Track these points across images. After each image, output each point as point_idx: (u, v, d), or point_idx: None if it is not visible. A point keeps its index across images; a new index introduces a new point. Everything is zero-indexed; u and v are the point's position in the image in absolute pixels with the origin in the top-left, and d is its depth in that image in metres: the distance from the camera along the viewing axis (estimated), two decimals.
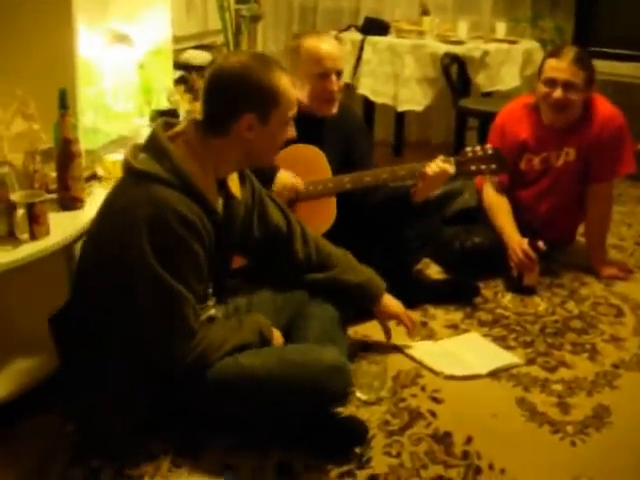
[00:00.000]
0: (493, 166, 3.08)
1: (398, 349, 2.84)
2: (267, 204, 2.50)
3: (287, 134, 2.27)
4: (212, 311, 2.28)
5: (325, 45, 2.95)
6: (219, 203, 2.21)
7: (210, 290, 2.28)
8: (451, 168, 2.96)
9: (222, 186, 2.24)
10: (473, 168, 3.07)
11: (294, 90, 2.24)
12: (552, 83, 3.44)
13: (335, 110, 3.01)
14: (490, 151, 3.08)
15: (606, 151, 3.56)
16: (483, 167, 3.07)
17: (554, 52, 3.53)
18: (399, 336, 2.85)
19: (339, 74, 2.98)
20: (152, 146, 2.11)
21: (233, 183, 2.30)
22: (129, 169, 2.11)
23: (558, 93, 3.43)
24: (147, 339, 2.05)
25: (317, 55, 2.92)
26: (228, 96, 2.13)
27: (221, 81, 2.15)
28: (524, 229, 3.51)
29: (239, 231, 2.37)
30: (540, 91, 3.51)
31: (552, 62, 3.46)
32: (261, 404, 2.16)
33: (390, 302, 2.72)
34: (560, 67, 3.42)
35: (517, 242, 3.41)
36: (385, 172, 3.01)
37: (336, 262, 2.61)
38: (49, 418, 2.33)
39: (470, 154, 3.07)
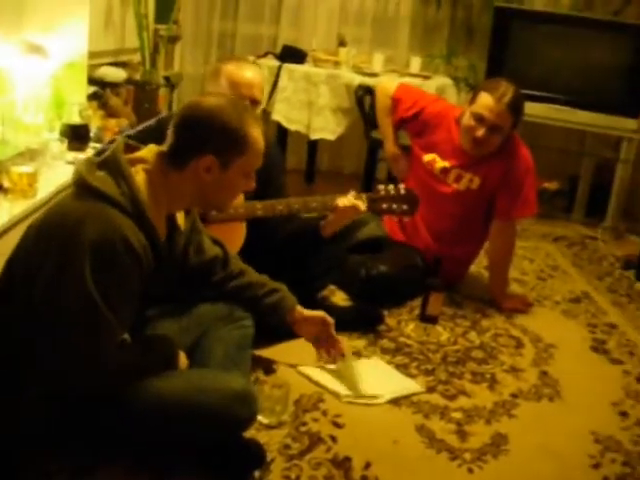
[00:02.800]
0: (404, 207, 3.10)
1: (301, 372, 2.84)
2: (202, 234, 2.49)
3: (247, 186, 2.24)
4: (124, 335, 2.25)
5: (244, 72, 2.94)
6: (163, 235, 2.17)
7: (132, 317, 2.19)
8: (362, 204, 2.98)
9: (169, 217, 2.21)
10: (384, 207, 3.10)
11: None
12: (480, 120, 3.48)
13: None
14: (402, 191, 3.10)
15: (511, 189, 3.64)
16: (394, 206, 3.10)
17: (492, 87, 3.50)
18: (303, 359, 2.86)
19: (255, 102, 2.95)
20: (112, 166, 2.05)
21: (179, 214, 2.28)
22: (83, 184, 2.03)
23: (481, 132, 3.48)
24: (62, 358, 1.98)
25: (235, 80, 2.92)
26: (195, 132, 2.10)
27: (193, 116, 2.12)
28: (426, 263, 3.60)
29: (176, 260, 2.33)
30: (466, 122, 3.54)
31: (487, 100, 3.46)
32: (165, 429, 2.12)
33: (311, 322, 2.69)
34: (493, 108, 3.44)
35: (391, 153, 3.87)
36: (297, 202, 3.02)
37: (252, 273, 2.62)
38: None
39: (383, 192, 3.09)
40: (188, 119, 2.14)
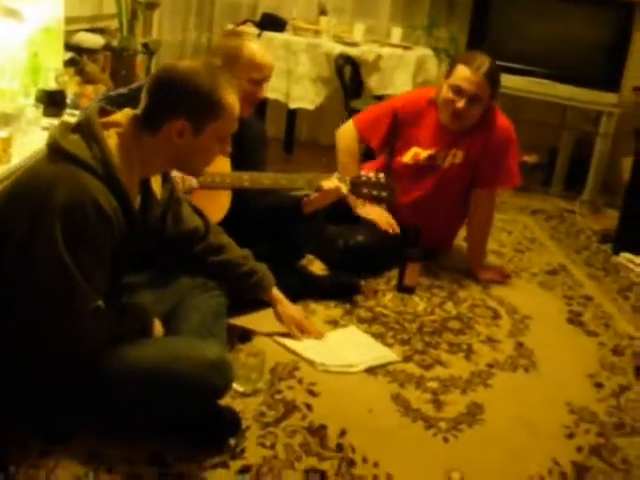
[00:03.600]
0: (383, 194, 3.18)
1: (277, 341, 2.83)
2: (182, 204, 2.47)
3: (221, 151, 2.21)
4: (99, 302, 2.22)
5: (268, 55, 2.99)
6: (137, 201, 2.15)
7: (105, 283, 2.16)
8: (344, 187, 3.05)
9: (143, 183, 2.18)
10: (365, 191, 3.17)
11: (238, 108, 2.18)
12: (458, 92, 3.48)
13: (251, 113, 3.04)
14: (383, 180, 3.18)
15: (493, 159, 3.65)
16: (374, 193, 3.17)
17: (468, 59, 3.50)
18: (278, 328, 2.85)
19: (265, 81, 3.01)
20: (85, 130, 2.02)
21: (155, 182, 2.26)
22: (56, 148, 2.00)
23: (461, 104, 3.48)
24: (35, 322, 1.97)
25: (260, 62, 2.93)
26: (168, 95, 2.07)
27: (167, 79, 2.09)
28: (404, 233, 3.58)
29: (152, 229, 2.30)
30: (444, 95, 3.54)
31: (464, 71, 3.46)
32: (140, 396, 2.10)
33: (290, 306, 2.81)
34: (471, 79, 3.44)
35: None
36: (284, 178, 3.05)
37: (233, 250, 2.63)
38: None
39: (364, 178, 3.16)
40: (161, 82, 2.11)
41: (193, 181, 2.82)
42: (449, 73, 3.55)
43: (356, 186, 3.15)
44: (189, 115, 2.07)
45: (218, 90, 2.09)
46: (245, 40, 2.97)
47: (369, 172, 3.20)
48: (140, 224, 2.16)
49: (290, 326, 2.81)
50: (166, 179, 2.36)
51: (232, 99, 2.13)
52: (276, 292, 2.77)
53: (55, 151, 2.01)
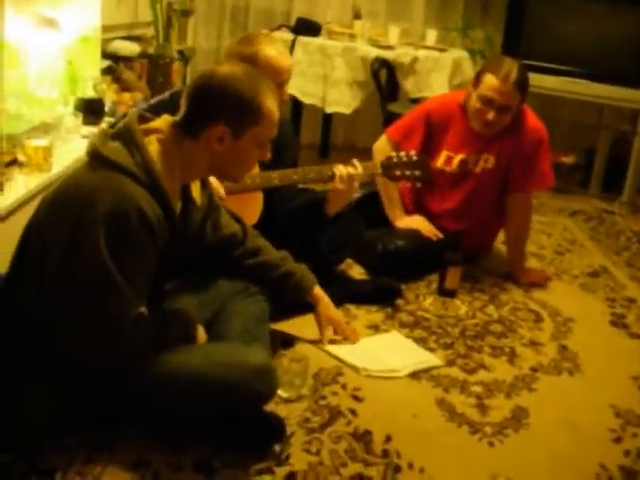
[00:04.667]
0: (417, 172, 3.13)
1: (319, 347, 2.82)
2: (220, 210, 2.48)
3: (261, 156, 2.21)
4: (142, 308, 2.22)
5: (285, 57, 2.93)
6: (178, 207, 2.15)
7: (148, 290, 2.16)
8: (359, 168, 2.97)
9: (183, 189, 2.19)
10: (398, 173, 3.13)
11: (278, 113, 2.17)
12: (488, 103, 3.43)
13: None
14: (415, 157, 3.13)
15: (525, 162, 3.61)
16: (407, 173, 3.13)
17: (495, 67, 3.42)
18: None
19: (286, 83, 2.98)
20: (125, 136, 2.03)
21: (195, 188, 2.26)
22: (97, 155, 2.01)
23: (491, 115, 3.43)
24: (78, 328, 1.97)
25: (277, 66, 2.88)
26: (208, 101, 2.08)
27: (206, 85, 2.09)
28: (444, 238, 3.57)
29: (192, 235, 2.31)
30: (474, 105, 3.49)
31: (492, 81, 3.38)
32: (184, 403, 2.11)
33: (331, 307, 2.76)
34: (500, 90, 3.38)
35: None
36: (312, 171, 3.01)
37: (270, 252, 2.63)
38: None
39: (395, 159, 3.12)
40: (201, 88, 2.11)
41: (220, 190, 2.80)
42: (477, 82, 3.49)
43: (388, 169, 3.10)
44: (228, 121, 2.07)
45: (258, 95, 2.09)
46: (260, 45, 2.90)
47: (400, 152, 3.16)
48: (181, 230, 2.17)
49: (325, 328, 2.77)
50: (205, 185, 2.36)
51: (271, 104, 2.13)
52: (318, 292, 2.72)
53: (96, 158, 2.02)
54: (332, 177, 2.97)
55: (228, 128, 2.07)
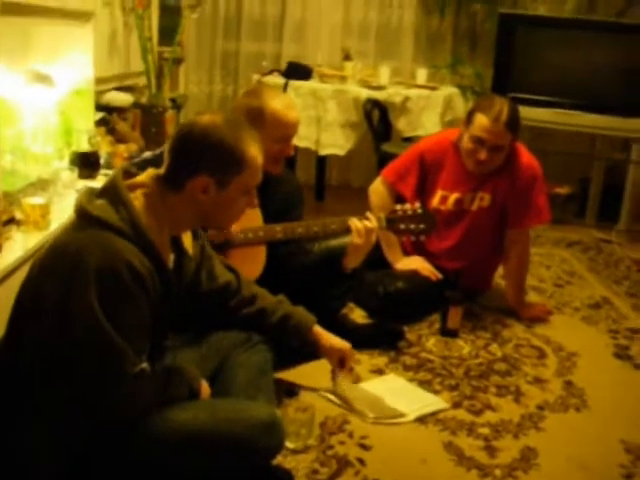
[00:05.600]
0: (422, 226, 3.09)
1: (324, 395, 2.81)
2: (214, 260, 2.47)
3: (248, 204, 2.19)
4: (143, 365, 2.21)
5: (292, 111, 2.92)
6: (170, 259, 2.14)
7: (147, 345, 2.14)
8: (374, 221, 2.96)
9: (175, 241, 2.18)
10: (402, 227, 3.08)
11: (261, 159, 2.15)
12: (479, 142, 3.44)
13: (281, 169, 2.99)
14: (419, 210, 3.08)
15: (521, 199, 3.62)
16: (412, 226, 3.08)
17: (486, 107, 3.43)
18: (326, 381, 2.81)
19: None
20: (110, 193, 2.03)
21: (186, 239, 2.25)
22: (83, 214, 2.01)
23: (483, 155, 3.45)
24: (78, 389, 1.94)
25: (285, 121, 2.88)
26: (190, 152, 2.07)
27: (187, 137, 2.08)
28: (444, 277, 3.57)
29: (187, 286, 2.31)
30: (466, 145, 3.51)
31: (483, 121, 3.40)
32: (190, 459, 2.07)
33: (333, 338, 2.67)
34: (491, 130, 3.39)
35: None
36: (317, 225, 2.98)
37: (267, 297, 2.61)
38: None
39: (400, 212, 3.08)
40: (181, 140, 2.10)
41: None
42: (468, 122, 3.50)
43: (392, 222, 3.06)
44: (212, 171, 2.05)
45: (240, 144, 2.08)
46: (266, 99, 2.89)
47: (404, 205, 3.12)
48: (175, 282, 2.16)
49: (335, 360, 2.67)
50: (196, 235, 2.35)
51: (255, 151, 2.11)
52: (318, 329, 2.65)
53: (83, 217, 2.01)
54: (336, 231, 2.97)
55: (212, 179, 2.06)
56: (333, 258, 3.04)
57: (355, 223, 2.94)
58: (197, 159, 2.06)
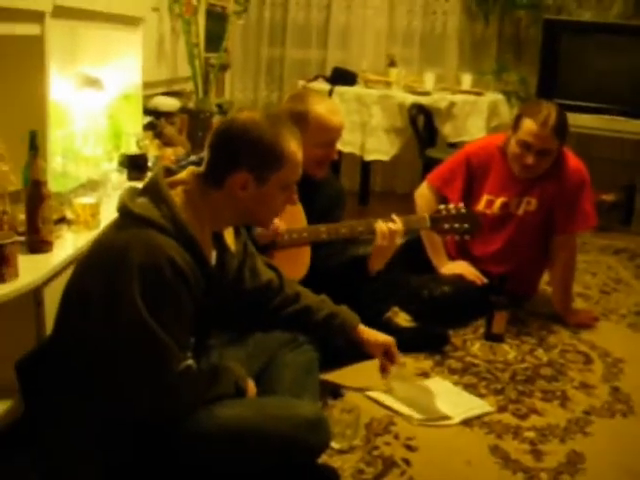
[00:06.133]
0: (466, 226, 3.10)
1: (369, 396, 2.82)
2: (256, 257, 2.48)
3: (287, 200, 2.20)
4: (189, 361, 2.23)
5: (336, 116, 2.93)
6: (212, 255, 2.16)
7: (192, 341, 2.17)
8: (399, 223, 2.96)
9: (217, 238, 2.20)
10: (446, 227, 3.10)
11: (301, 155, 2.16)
12: (527, 147, 3.43)
13: (325, 173, 3.01)
14: (463, 210, 3.10)
15: (568, 204, 3.60)
16: (456, 226, 3.10)
17: (534, 112, 3.42)
18: (371, 382, 2.82)
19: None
20: (151, 191, 2.05)
21: (228, 236, 2.27)
22: (126, 212, 2.04)
23: (530, 160, 3.43)
24: (125, 387, 1.97)
25: (328, 126, 2.90)
26: (229, 149, 2.08)
27: (227, 133, 2.09)
28: (489, 282, 3.56)
29: (230, 283, 2.32)
30: (513, 149, 3.50)
31: (531, 126, 3.38)
32: (236, 456, 2.09)
33: (379, 334, 2.67)
34: (538, 135, 3.38)
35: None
36: (360, 225, 2.99)
37: (310, 296, 2.60)
38: (12, 467, 2.25)
39: (444, 212, 3.10)
40: (221, 136, 2.11)
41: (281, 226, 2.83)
42: (516, 126, 3.49)
43: (436, 222, 3.08)
44: (251, 167, 2.06)
45: (279, 140, 2.08)
46: (311, 104, 2.90)
47: (448, 205, 3.14)
48: (218, 279, 2.17)
49: (382, 356, 2.66)
50: (239, 233, 2.37)
51: (294, 147, 2.11)
52: (362, 327, 2.64)
53: (125, 215, 2.04)
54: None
55: (251, 175, 2.07)
56: (358, 261, 3.05)
57: (380, 225, 2.95)
58: (236, 155, 2.07)
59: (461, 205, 3.12)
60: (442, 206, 3.13)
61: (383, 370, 2.69)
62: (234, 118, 2.13)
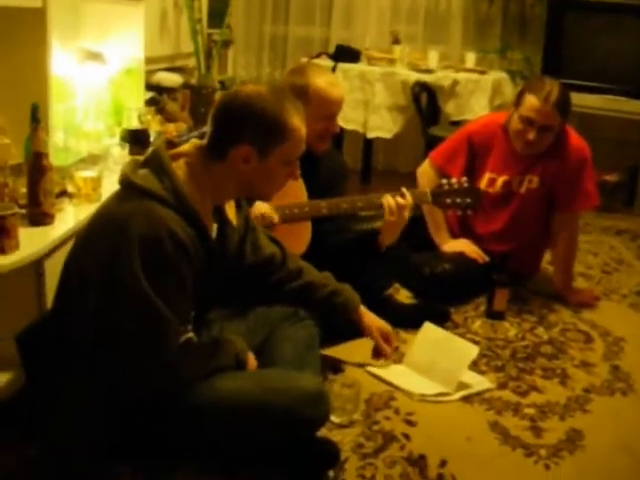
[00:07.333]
0: (468, 200, 3.10)
1: (369, 371, 2.83)
2: (258, 231, 2.48)
3: (290, 175, 2.19)
4: (190, 334, 2.23)
5: (336, 89, 2.93)
6: (214, 228, 2.16)
7: (193, 314, 2.18)
8: (408, 197, 2.95)
9: (218, 211, 2.19)
10: (448, 201, 3.10)
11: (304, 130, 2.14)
12: (529, 123, 3.42)
13: (326, 147, 3.01)
14: (465, 184, 3.10)
15: (570, 182, 3.59)
16: (458, 200, 3.10)
17: (536, 88, 3.41)
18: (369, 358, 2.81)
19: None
20: (153, 163, 2.04)
21: (230, 209, 2.26)
22: (127, 183, 2.02)
23: (532, 135, 3.42)
24: (125, 358, 1.96)
25: (329, 99, 2.90)
26: (232, 121, 2.06)
27: (230, 105, 2.07)
28: (491, 259, 3.57)
29: (232, 257, 2.32)
30: (515, 126, 3.49)
31: (533, 101, 3.38)
32: (237, 429, 2.09)
33: (378, 319, 2.68)
34: (541, 110, 3.37)
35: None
36: (361, 200, 2.99)
37: (313, 272, 2.60)
38: (10, 441, 2.26)
39: (446, 186, 3.09)
40: (224, 109, 2.09)
41: (275, 218, 2.81)
42: (518, 102, 3.49)
43: (438, 196, 3.08)
44: (253, 140, 2.04)
45: (283, 114, 2.06)
46: (311, 78, 2.90)
47: (450, 179, 3.13)
48: (219, 252, 2.16)
49: (380, 339, 2.66)
50: (240, 206, 2.36)
51: (297, 121, 2.09)
52: (362, 309, 2.66)
53: (127, 187, 2.02)
54: (381, 206, 2.96)
55: (253, 148, 2.05)
56: (368, 236, 3.04)
57: (388, 200, 2.94)
58: (239, 128, 2.05)
59: (464, 179, 3.12)
60: (444, 180, 3.13)
61: (377, 355, 2.69)
62: (238, 90, 2.10)
